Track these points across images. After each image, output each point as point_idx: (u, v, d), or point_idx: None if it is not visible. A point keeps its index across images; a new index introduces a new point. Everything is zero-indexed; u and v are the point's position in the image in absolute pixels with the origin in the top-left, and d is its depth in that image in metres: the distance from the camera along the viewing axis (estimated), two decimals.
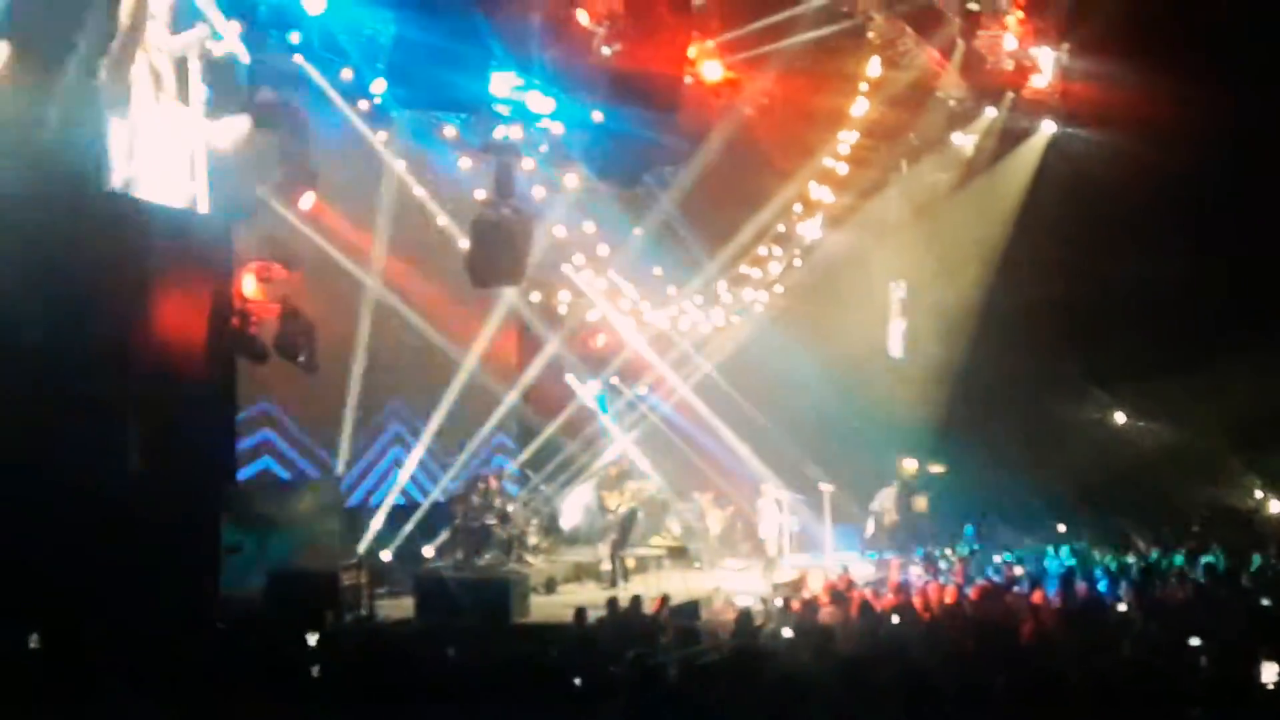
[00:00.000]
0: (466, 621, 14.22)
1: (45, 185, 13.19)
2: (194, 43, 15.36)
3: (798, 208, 23.89)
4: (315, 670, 10.22)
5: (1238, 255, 23.96)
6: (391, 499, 20.54)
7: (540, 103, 19.19)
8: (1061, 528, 23.54)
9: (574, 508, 22.60)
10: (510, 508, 20.61)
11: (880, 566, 20.21)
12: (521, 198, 19.04)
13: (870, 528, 23.28)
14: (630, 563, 19.67)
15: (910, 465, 25.76)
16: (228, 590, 14.35)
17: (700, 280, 24.29)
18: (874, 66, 21.61)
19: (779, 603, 14.43)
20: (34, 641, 10.52)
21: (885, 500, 23.19)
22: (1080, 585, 15.87)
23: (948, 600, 14.51)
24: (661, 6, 16.46)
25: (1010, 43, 23.52)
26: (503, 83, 18.40)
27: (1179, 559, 19.45)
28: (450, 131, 19.82)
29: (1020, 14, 23.32)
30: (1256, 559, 19.26)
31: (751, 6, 20.05)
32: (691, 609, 15.03)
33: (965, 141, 25.07)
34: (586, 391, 25.14)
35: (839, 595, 14.27)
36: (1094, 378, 25.99)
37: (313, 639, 10.99)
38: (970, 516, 23.92)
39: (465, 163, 20.48)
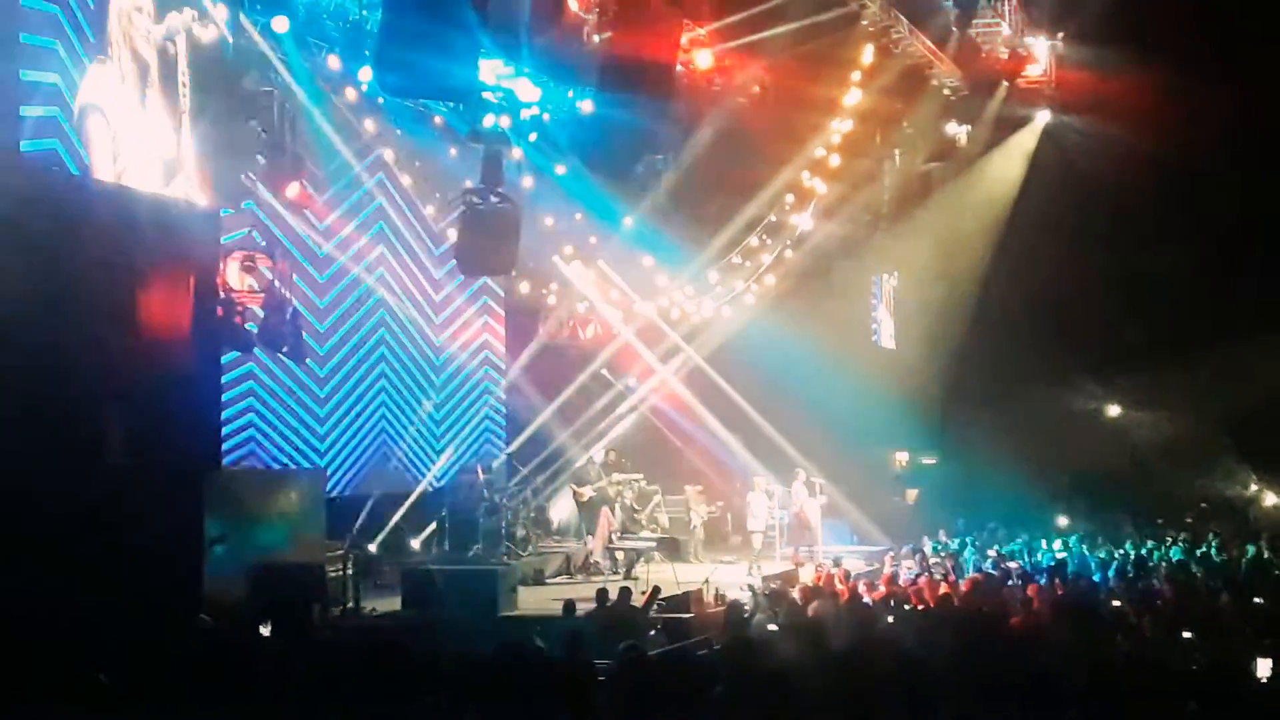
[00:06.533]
0: (453, 614, 14.06)
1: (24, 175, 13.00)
2: (179, 30, 15.17)
3: (789, 197, 23.74)
4: (301, 664, 10.04)
5: (1233, 246, 23.90)
6: (377, 490, 20.32)
7: (529, 91, 19.07)
8: (1064, 520, 23.46)
9: (563, 500, 22.41)
10: (498, 499, 20.44)
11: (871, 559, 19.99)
12: (510, 186, 18.88)
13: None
14: (619, 555, 19.55)
15: (901, 457, 25.60)
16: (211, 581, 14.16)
17: (691, 270, 24.11)
18: (868, 54, 21.46)
19: (769, 595, 14.26)
20: None
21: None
22: (1073, 578, 15.80)
23: (940, 593, 14.37)
24: None
25: (1005, 31, 23.44)
26: (491, 71, 18.28)
27: (1174, 552, 19.39)
28: (438, 120, 19.65)
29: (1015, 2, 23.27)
30: (1250, 551, 19.22)
31: None
32: (681, 602, 14.88)
33: (959, 131, 24.92)
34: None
35: (829, 588, 14.15)
36: (1089, 369, 25.89)
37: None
38: (962, 508, 23.81)
39: (453, 151, 20.30)
